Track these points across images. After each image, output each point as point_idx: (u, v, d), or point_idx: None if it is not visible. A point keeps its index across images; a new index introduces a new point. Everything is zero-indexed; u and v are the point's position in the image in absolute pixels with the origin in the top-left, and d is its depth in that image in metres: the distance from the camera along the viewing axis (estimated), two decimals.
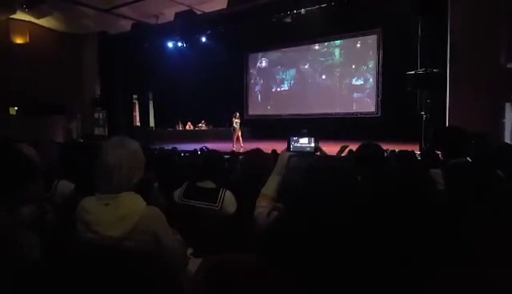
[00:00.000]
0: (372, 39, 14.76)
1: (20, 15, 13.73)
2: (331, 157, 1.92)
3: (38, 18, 14.09)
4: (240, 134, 13.57)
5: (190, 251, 2.12)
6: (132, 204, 1.58)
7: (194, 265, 1.91)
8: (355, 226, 1.17)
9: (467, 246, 1.38)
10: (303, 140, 1.85)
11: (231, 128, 13.72)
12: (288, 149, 1.88)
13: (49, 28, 15.03)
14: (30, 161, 1.72)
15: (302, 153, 1.83)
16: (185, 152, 7.43)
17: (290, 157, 1.84)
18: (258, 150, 3.12)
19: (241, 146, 12.83)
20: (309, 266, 1.12)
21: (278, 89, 17.73)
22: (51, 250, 1.66)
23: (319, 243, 1.13)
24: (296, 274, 1.12)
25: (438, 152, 3.52)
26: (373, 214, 1.31)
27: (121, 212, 1.54)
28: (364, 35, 14.91)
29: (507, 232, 1.50)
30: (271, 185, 1.83)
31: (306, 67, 16.71)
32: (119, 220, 1.53)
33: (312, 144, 1.83)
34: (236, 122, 13.53)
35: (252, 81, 18.59)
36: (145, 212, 1.59)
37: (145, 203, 1.62)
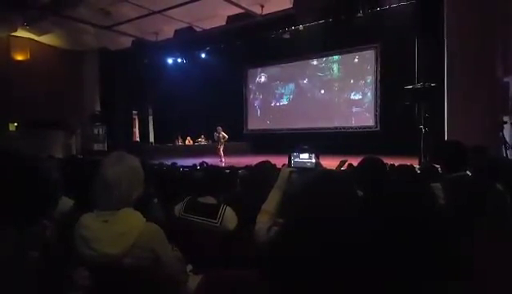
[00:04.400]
0: (370, 54, 14.89)
1: (20, 32, 13.84)
2: (332, 171, 1.92)
3: (39, 35, 14.20)
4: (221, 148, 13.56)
5: (189, 267, 2.10)
6: (131, 221, 1.58)
7: (193, 281, 1.89)
8: (356, 241, 1.17)
9: (468, 259, 1.37)
10: (304, 156, 1.85)
11: (218, 143, 13.60)
12: (289, 164, 1.88)
13: (49, 45, 15.14)
14: (35, 175, 1.69)
15: (302, 169, 1.83)
16: (184, 167, 7.42)
17: (291, 173, 1.84)
18: (267, 163, 3.11)
19: (222, 161, 12.86)
20: (309, 281, 1.11)
21: (277, 104, 17.80)
22: (50, 267, 1.64)
23: (319, 258, 1.12)
24: (296, 289, 1.11)
25: (437, 165, 3.52)
26: (374, 229, 1.30)
27: (120, 229, 1.53)
28: (361, 50, 15.04)
29: (507, 245, 1.50)
30: (272, 201, 1.83)
31: (305, 82, 16.81)
32: (117, 237, 1.52)
33: (313, 160, 1.83)
34: (222, 135, 13.55)
35: (251, 96, 18.67)
36: (144, 229, 1.57)
37: (144, 220, 1.61)
